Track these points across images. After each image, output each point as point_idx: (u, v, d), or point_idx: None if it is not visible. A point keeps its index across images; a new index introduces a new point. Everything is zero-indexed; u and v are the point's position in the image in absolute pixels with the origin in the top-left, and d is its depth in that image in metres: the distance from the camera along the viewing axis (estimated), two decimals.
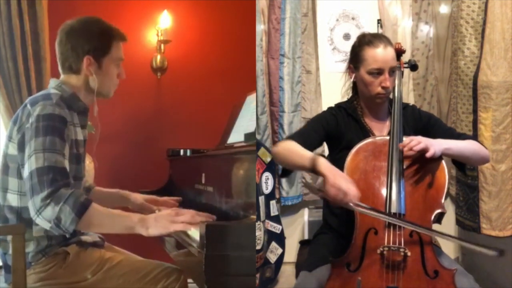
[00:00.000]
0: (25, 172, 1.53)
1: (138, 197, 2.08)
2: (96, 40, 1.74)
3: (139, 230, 1.53)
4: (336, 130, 1.84)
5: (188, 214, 1.59)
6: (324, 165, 1.57)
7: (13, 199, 1.65)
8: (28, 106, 1.62)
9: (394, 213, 1.59)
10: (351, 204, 1.51)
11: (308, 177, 3.20)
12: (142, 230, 1.53)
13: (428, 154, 1.58)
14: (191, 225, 1.56)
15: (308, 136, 1.79)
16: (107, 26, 1.79)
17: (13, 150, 1.63)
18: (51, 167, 1.50)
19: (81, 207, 1.47)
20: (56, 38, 1.78)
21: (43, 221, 1.46)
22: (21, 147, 1.58)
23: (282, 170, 1.85)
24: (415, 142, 1.60)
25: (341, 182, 1.50)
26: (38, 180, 1.47)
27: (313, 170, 1.59)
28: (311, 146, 1.77)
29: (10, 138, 1.65)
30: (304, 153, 1.66)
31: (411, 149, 1.60)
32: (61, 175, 1.51)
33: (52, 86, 1.76)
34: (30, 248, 1.64)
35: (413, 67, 1.93)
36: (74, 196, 1.47)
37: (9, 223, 1.65)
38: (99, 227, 1.55)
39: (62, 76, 1.79)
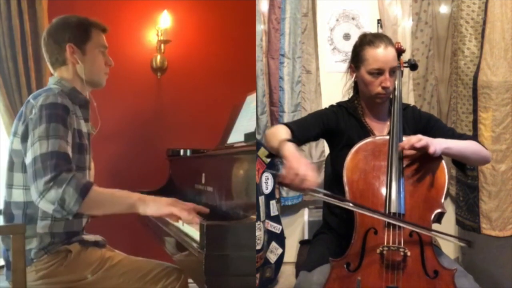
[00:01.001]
0: (28, 159, 1.55)
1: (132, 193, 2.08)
2: (74, 28, 1.80)
3: (138, 207, 1.56)
4: (336, 127, 1.84)
5: (187, 204, 1.60)
6: (289, 149, 1.57)
7: (18, 195, 1.67)
8: (31, 100, 1.66)
9: (394, 213, 1.59)
10: (308, 189, 1.49)
11: None
12: (141, 207, 1.56)
13: (430, 150, 1.58)
14: (186, 213, 1.57)
15: (304, 127, 1.79)
16: (83, 17, 1.85)
17: (17, 144, 1.66)
18: (55, 152, 1.53)
19: (84, 187, 1.49)
20: None
21: (46, 204, 1.48)
22: (24, 137, 1.61)
23: (269, 153, 1.83)
24: (416, 139, 1.60)
25: (300, 167, 1.49)
26: (42, 165, 1.50)
27: (279, 153, 1.59)
28: (306, 136, 1.77)
29: (15, 134, 1.68)
30: (280, 136, 1.66)
31: (412, 146, 1.60)
32: (64, 160, 1.54)
33: (52, 82, 1.79)
34: (33, 245, 1.65)
35: (413, 66, 1.93)
36: (76, 179, 1.49)
37: (15, 219, 1.67)
38: (102, 207, 1.57)
39: (55, 74, 1.82)
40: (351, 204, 1.60)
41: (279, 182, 1.56)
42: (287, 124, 1.78)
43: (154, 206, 1.57)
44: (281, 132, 1.70)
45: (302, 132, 1.75)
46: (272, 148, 1.70)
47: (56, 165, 1.50)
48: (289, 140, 1.62)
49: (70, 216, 1.51)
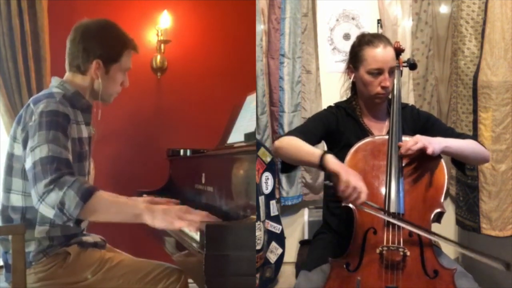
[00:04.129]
0: (28, 164, 1.51)
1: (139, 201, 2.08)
2: (109, 46, 1.76)
3: (145, 218, 1.48)
4: (335, 128, 1.85)
5: (199, 214, 1.54)
6: (334, 162, 1.56)
7: (17, 200, 1.65)
8: (31, 105, 1.63)
9: (393, 213, 1.59)
10: (361, 204, 1.50)
11: (308, 176, 3.20)
12: (149, 219, 1.48)
13: (428, 151, 1.58)
14: (197, 225, 1.51)
15: (308, 133, 1.79)
16: (122, 33, 1.81)
17: (18, 150, 1.63)
18: (55, 157, 1.49)
19: (86, 192, 1.43)
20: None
21: (46, 208, 1.43)
22: (25, 144, 1.58)
23: (282, 165, 1.83)
24: (412, 143, 1.60)
25: (352, 178, 1.49)
26: (42, 168, 1.45)
27: (322, 166, 1.58)
28: (311, 143, 1.77)
29: (14, 139, 1.66)
30: (312, 149, 1.65)
31: (409, 149, 1.60)
32: (65, 165, 1.49)
33: (54, 85, 1.76)
34: (32, 248, 1.64)
35: (412, 66, 1.93)
36: (79, 182, 1.44)
37: (13, 223, 1.65)
38: (105, 215, 1.48)
39: (67, 74, 1.80)
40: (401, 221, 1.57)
41: (337, 196, 1.55)
42: (293, 134, 1.75)
43: (163, 220, 1.48)
44: (302, 143, 1.68)
45: (306, 139, 1.73)
46: (300, 161, 1.69)
47: (56, 169, 1.46)
48: (325, 152, 1.60)
49: (71, 223, 1.45)
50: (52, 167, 1.46)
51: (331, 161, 1.56)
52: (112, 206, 1.50)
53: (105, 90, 1.79)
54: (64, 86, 1.74)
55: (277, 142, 1.75)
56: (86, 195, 1.42)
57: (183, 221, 1.49)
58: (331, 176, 1.56)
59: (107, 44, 1.76)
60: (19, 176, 1.65)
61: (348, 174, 1.50)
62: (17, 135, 1.64)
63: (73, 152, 1.63)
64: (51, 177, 1.43)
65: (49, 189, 1.42)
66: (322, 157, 1.58)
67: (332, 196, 1.62)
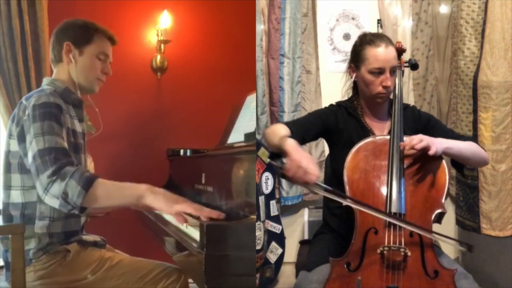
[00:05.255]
0: (29, 158, 1.55)
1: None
2: (78, 29, 1.81)
3: (148, 199, 1.52)
4: (335, 126, 1.84)
5: (201, 210, 1.55)
6: (291, 144, 1.57)
7: (17, 196, 1.67)
8: (24, 101, 1.66)
9: (395, 213, 1.59)
10: (310, 184, 1.50)
11: None
12: (150, 198, 1.52)
13: (430, 152, 1.58)
14: (194, 211, 1.53)
15: (303, 126, 1.79)
16: (91, 22, 1.85)
17: (14, 146, 1.66)
18: (52, 147, 1.52)
19: (87, 180, 1.48)
20: None
21: (51, 199, 1.47)
22: (21, 138, 1.61)
23: (270, 153, 1.83)
24: (417, 141, 1.60)
25: (302, 159, 1.50)
26: (41, 161, 1.50)
27: (280, 149, 1.59)
28: (306, 135, 1.77)
29: (10, 136, 1.68)
30: (280, 132, 1.67)
31: (412, 147, 1.60)
32: (63, 155, 1.53)
33: (45, 83, 1.80)
34: (32, 245, 1.65)
35: (414, 66, 1.93)
36: (80, 171, 1.48)
37: (14, 220, 1.67)
38: (107, 200, 1.53)
39: (54, 72, 1.83)
40: (349, 201, 1.60)
41: (281, 175, 1.55)
42: (286, 123, 1.78)
43: (163, 201, 1.53)
44: (280, 130, 1.70)
45: (301, 132, 1.74)
46: (272, 145, 1.70)
47: (55, 159, 1.50)
48: (290, 137, 1.62)
49: (77, 211, 1.49)
50: (51, 157, 1.50)
51: (289, 143, 1.57)
52: (114, 190, 1.55)
53: (81, 74, 1.81)
54: (54, 83, 1.78)
55: (264, 130, 1.76)
56: (87, 184, 1.47)
57: (184, 206, 1.53)
58: (283, 157, 1.56)
59: (75, 28, 1.81)
60: (17, 171, 1.66)
61: (299, 155, 1.51)
62: (12, 131, 1.67)
63: (68, 143, 1.64)
64: (52, 168, 1.48)
65: (52, 180, 1.47)
66: (283, 139, 1.59)
67: (334, 205, 1.61)
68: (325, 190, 1.56)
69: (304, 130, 1.77)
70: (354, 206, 1.59)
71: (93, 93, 1.88)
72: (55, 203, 1.48)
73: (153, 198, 1.53)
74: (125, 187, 1.57)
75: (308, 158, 1.52)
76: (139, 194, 1.54)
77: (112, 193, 1.54)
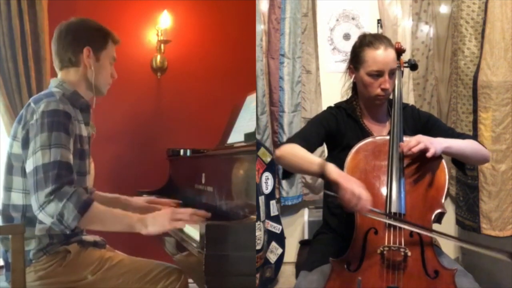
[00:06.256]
0: (29, 167, 1.55)
1: (139, 201, 2.08)
2: (96, 33, 1.80)
3: (139, 228, 1.58)
4: (336, 130, 1.84)
5: (185, 212, 1.62)
6: (334, 171, 1.55)
7: (17, 198, 1.66)
8: (32, 104, 1.64)
9: (395, 213, 1.59)
10: (364, 210, 1.49)
11: (308, 177, 3.20)
12: (142, 228, 1.58)
13: (428, 154, 1.58)
14: (187, 223, 1.61)
15: (310, 137, 1.78)
16: (101, 25, 1.84)
17: (17, 149, 1.65)
18: (57, 162, 1.52)
19: (84, 204, 1.50)
20: None
21: (45, 217, 1.49)
22: (25, 143, 1.60)
23: (283, 172, 1.83)
24: (414, 143, 1.60)
25: (354, 186, 1.48)
26: (43, 176, 1.50)
27: (323, 176, 1.58)
28: (313, 147, 1.76)
29: (14, 138, 1.67)
30: (312, 158, 1.65)
31: (410, 149, 1.60)
32: (66, 171, 1.54)
33: (53, 85, 1.77)
34: (32, 246, 1.65)
35: (413, 66, 1.93)
36: (77, 194, 1.50)
37: (14, 222, 1.67)
38: (100, 225, 1.58)
39: (60, 74, 1.81)
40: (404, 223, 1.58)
41: (338, 204, 1.55)
42: (293, 141, 1.74)
43: (154, 226, 1.58)
44: (302, 152, 1.67)
45: (309, 144, 1.73)
46: (300, 170, 1.70)
47: (58, 176, 1.50)
48: (326, 161, 1.61)
49: (68, 231, 1.52)
50: (54, 174, 1.50)
51: (332, 170, 1.55)
52: (107, 217, 1.59)
53: (98, 79, 1.81)
54: (63, 86, 1.75)
55: (277, 151, 1.74)
56: (84, 208, 1.50)
57: (175, 222, 1.59)
58: (332, 185, 1.55)
59: (92, 31, 1.79)
60: (19, 174, 1.66)
61: (350, 183, 1.50)
62: (18, 133, 1.65)
63: (74, 149, 1.65)
64: (52, 187, 1.48)
65: (49, 199, 1.48)
66: (323, 166, 1.57)
67: (334, 205, 1.61)
68: (380, 214, 1.55)
69: (311, 142, 1.76)
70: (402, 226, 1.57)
71: (103, 96, 1.87)
72: (48, 221, 1.49)
73: (144, 228, 1.58)
74: (118, 214, 1.61)
75: (357, 183, 1.51)
76: (130, 224, 1.59)
77: (106, 219, 1.58)
